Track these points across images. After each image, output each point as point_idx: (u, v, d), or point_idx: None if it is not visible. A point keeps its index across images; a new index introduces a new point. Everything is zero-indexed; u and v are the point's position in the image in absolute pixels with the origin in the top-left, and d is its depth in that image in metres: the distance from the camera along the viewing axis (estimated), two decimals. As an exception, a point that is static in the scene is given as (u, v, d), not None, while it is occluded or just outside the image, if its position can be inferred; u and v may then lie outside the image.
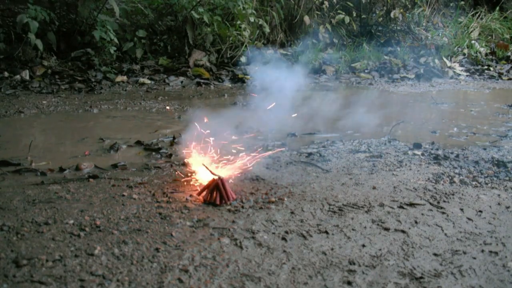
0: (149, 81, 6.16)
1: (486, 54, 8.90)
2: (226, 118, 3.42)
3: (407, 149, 3.42)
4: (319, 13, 8.74)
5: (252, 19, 7.12)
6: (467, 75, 7.67)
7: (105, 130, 3.85)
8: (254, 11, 7.27)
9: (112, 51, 6.25)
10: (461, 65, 8.13)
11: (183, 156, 2.94)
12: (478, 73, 7.87)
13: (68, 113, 4.48)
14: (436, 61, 7.87)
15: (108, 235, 1.97)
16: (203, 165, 2.50)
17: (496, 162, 3.12)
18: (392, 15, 8.97)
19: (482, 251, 1.94)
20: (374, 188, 2.62)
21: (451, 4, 10.91)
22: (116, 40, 6.21)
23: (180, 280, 1.66)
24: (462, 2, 10.51)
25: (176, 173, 2.76)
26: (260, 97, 4.49)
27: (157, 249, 1.86)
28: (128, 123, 4.16)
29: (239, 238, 1.98)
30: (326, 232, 2.06)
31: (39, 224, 2.05)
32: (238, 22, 7.03)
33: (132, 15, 6.91)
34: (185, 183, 2.60)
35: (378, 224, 2.16)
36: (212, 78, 6.56)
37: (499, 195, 2.57)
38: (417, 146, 3.48)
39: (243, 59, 7.08)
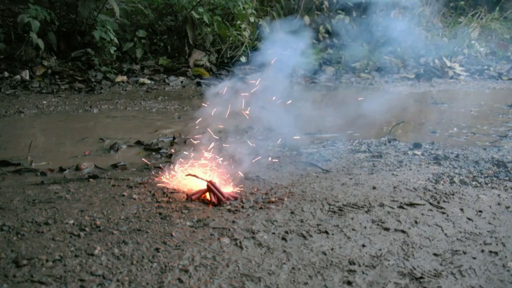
0: (149, 81, 6.16)
1: (486, 54, 8.89)
2: (226, 120, 3.42)
3: (407, 149, 3.42)
4: (319, 13, 8.73)
5: (252, 19, 7.11)
6: (467, 75, 7.67)
7: (105, 130, 3.85)
8: (254, 11, 7.27)
9: (112, 51, 6.25)
10: (461, 65, 8.12)
11: (183, 156, 2.94)
12: (478, 73, 7.86)
13: (68, 113, 4.48)
14: (436, 61, 7.86)
15: (108, 235, 1.97)
16: (190, 175, 2.50)
17: (496, 162, 3.12)
18: (392, 15, 8.96)
19: (482, 251, 1.94)
20: (374, 188, 2.62)
21: (451, 4, 10.90)
22: (116, 40, 6.21)
23: (180, 280, 1.66)
24: (462, 2, 10.50)
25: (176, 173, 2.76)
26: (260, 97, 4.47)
27: (157, 249, 1.86)
28: (128, 123, 4.16)
29: (239, 238, 1.98)
30: (326, 232, 2.06)
31: (39, 224, 2.05)
32: (238, 22, 7.03)
33: (132, 15, 6.91)
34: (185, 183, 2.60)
35: (378, 224, 2.16)
36: (212, 78, 6.56)
37: (499, 195, 2.57)
38: (417, 146, 3.48)
39: (243, 59, 7.07)
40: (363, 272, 1.75)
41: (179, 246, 1.90)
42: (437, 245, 1.98)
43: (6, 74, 5.69)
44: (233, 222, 2.14)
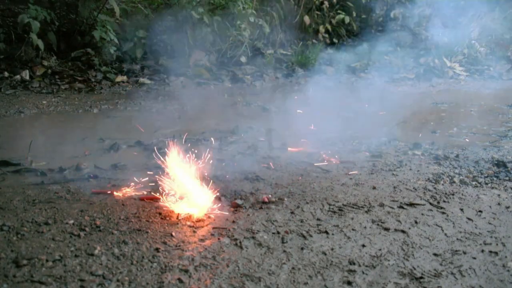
0: (149, 81, 6.15)
1: (486, 54, 8.89)
2: (225, 120, 3.42)
3: (407, 149, 3.42)
4: (319, 13, 8.73)
5: (252, 19, 7.11)
6: (467, 75, 7.67)
7: (105, 130, 3.85)
8: (254, 11, 7.27)
9: (112, 51, 6.24)
10: (461, 65, 8.12)
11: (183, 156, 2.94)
12: (478, 73, 7.86)
13: (68, 113, 4.48)
14: (436, 61, 7.86)
15: (108, 235, 1.97)
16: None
17: (496, 162, 3.12)
18: (392, 15, 8.97)
19: (482, 251, 1.94)
20: (374, 188, 2.62)
21: (451, 4, 10.90)
22: (116, 40, 6.20)
23: (180, 280, 1.66)
24: (462, 2, 10.49)
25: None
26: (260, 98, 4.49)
27: (157, 249, 1.86)
28: (128, 123, 4.16)
29: (239, 238, 1.98)
30: (326, 232, 2.06)
31: (39, 224, 2.05)
32: (238, 22, 7.03)
33: (132, 15, 6.91)
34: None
35: (378, 224, 2.16)
36: (212, 78, 6.56)
37: (499, 195, 2.57)
38: (417, 146, 3.48)
39: (243, 59, 7.07)
40: (363, 272, 1.75)
41: (179, 246, 1.90)
42: (437, 245, 1.98)
43: (6, 74, 5.69)
44: (233, 222, 2.14)
